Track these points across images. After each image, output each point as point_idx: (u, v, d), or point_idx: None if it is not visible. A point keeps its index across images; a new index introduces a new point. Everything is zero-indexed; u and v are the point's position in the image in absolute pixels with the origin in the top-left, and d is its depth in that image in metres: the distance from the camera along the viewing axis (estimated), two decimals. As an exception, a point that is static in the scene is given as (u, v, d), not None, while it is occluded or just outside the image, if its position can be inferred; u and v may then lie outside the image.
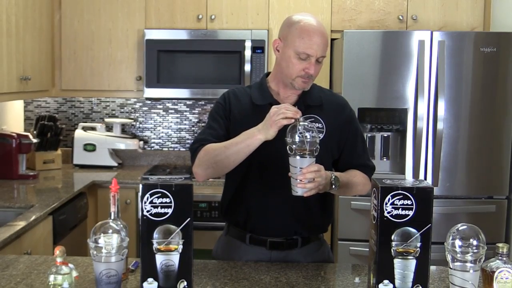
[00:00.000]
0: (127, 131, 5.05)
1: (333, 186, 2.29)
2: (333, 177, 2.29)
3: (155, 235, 1.87)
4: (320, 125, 2.41)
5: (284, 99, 2.44)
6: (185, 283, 1.90)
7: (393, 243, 1.90)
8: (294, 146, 2.13)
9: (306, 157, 2.14)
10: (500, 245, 1.89)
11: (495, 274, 1.86)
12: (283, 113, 2.16)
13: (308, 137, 2.12)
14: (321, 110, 2.44)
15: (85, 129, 4.84)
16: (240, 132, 2.34)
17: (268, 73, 2.55)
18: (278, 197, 2.39)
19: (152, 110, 5.05)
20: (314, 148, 2.15)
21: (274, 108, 2.21)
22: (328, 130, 2.42)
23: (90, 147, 4.74)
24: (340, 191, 2.40)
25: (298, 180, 2.14)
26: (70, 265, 1.84)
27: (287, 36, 2.37)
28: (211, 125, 2.48)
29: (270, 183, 2.39)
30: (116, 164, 4.81)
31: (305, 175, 2.13)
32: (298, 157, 2.14)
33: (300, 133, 2.12)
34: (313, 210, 2.45)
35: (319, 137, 2.17)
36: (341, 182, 2.33)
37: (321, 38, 2.33)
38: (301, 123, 2.15)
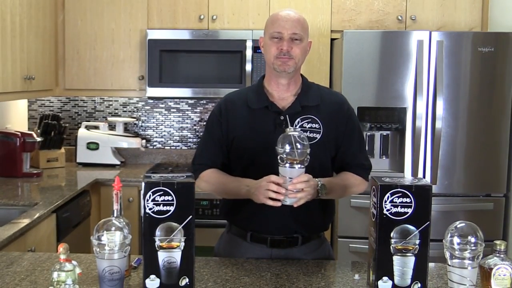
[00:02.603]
0: (129, 130, 5.07)
1: (319, 194, 2.29)
2: (319, 184, 2.29)
3: (157, 232, 1.89)
4: (317, 125, 2.42)
5: (280, 101, 2.46)
6: (187, 279, 1.92)
7: (392, 241, 1.93)
8: (284, 156, 2.14)
9: (295, 167, 2.15)
10: (497, 242, 1.90)
11: (493, 271, 1.87)
12: (266, 193, 2.20)
13: (299, 147, 2.12)
14: (318, 110, 2.45)
15: (88, 128, 4.86)
16: (239, 137, 2.45)
17: (264, 76, 2.56)
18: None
19: (155, 109, 5.07)
20: (304, 158, 2.15)
21: (261, 182, 2.23)
22: (325, 130, 2.43)
23: (93, 146, 4.77)
24: (331, 195, 2.41)
25: (288, 190, 2.16)
26: (74, 262, 1.86)
27: (265, 28, 2.47)
28: (207, 141, 2.58)
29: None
30: (118, 163, 4.82)
31: (296, 185, 2.15)
32: (288, 167, 2.15)
33: (290, 143, 2.12)
34: (313, 211, 2.45)
35: (309, 149, 2.16)
36: (328, 188, 2.33)
37: (290, 19, 2.39)
38: (291, 133, 2.15)
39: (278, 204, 2.19)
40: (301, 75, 2.55)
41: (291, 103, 2.46)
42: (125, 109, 5.06)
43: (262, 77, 2.57)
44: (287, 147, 2.12)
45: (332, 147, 2.48)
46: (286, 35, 2.37)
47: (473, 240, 1.87)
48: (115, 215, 2.04)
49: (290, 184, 2.15)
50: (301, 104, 2.45)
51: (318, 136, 2.41)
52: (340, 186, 2.44)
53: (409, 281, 1.95)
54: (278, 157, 2.16)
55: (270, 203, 2.20)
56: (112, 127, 4.95)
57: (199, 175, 2.53)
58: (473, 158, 4.05)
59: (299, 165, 2.15)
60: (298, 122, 2.42)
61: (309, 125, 2.42)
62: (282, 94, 2.47)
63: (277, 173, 2.31)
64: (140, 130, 5.09)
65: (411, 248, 1.93)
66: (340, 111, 2.51)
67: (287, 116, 2.43)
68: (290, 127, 2.20)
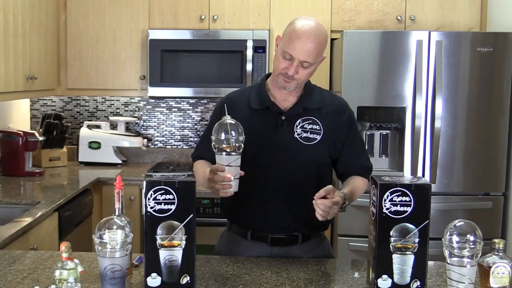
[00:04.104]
0: (131, 129, 5.09)
1: (341, 211, 2.34)
2: (346, 204, 2.33)
3: (159, 231, 1.90)
4: (317, 126, 2.43)
5: (282, 102, 2.47)
6: (188, 278, 1.93)
7: (392, 239, 1.94)
8: (218, 144, 2.19)
9: (231, 155, 2.19)
10: (496, 240, 1.91)
11: (492, 269, 1.88)
12: (214, 187, 2.23)
13: (234, 134, 2.17)
14: (320, 112, 2.46)
15: (90, 127, 4.89)
16: None
17: (268, 75, 2.56)
18: (278, 198, 2.43)
19: (156, 109, 5.09)
20: (238, 145, 2.19)
21: (209, 175, 2.25)
22: (325, 132, 2.44)
23: (95, 145, 4.78)
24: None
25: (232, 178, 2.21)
26: (76, 261, 1.87)
27: (283, 34, 2.41)
28: (205, 136, 2.63)
29: (271, 185, 2.42)
30: (120, 162, 4.84)
31: (318, 205, 2.20)
32: (224, 155, 2.19)
33: (226, 131, 2.16)
34: (313, 210, 2.42)
35: (243, 136, 2.21)
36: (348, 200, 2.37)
37: (308, 44, 2.31)
38: (227, 121, 2.19)
39: (230, 192, 2.24)
40: None
41: (293, 105, 2.47)
42: (126, 108, 5.08)
43: (265, 77, 2.58)
44: (223, 135, 2.17)
45: (332, 149, 2.49)
46: (297, 60, 2.33)
47: (472, 238, 1.87)
48: (116, 213, 2.05)
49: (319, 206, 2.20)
50: (302, 106, 2.46)
51: (318, 137, 2.43)
52: (354, 196, 2.46)
53: (408, 279, 1.96)
54: (212, 145, 2.21)
55: (222, 195, 2.24)
56: (113, 126, 4.97)
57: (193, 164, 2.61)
58: (472, 157, 4.06)
59: (234, 152, 2.19)
60: (299, 123, 2.44)
61: (309, 126, 2.44)
62: (285, 96, 2.48)
63: (280, 171, 2.33)
64: (142, 129, 5.10)
65: (411, 247, 1.94)
66: (342, 114, 2.52)
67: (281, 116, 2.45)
68: (226, 115, 2.22)
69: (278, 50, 2.40)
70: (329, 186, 2.23)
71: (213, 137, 2.19)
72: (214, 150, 2.21)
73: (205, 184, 2.40)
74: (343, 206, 2.31)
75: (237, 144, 2.18)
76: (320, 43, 2.34)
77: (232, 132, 2.17)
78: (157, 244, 1.90)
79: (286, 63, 2.35)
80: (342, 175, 2.56)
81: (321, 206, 2.18)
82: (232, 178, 2.19)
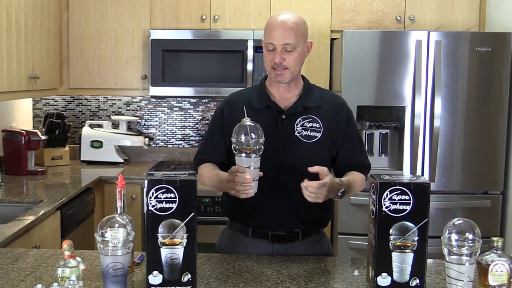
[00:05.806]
0: (132, 128, 5.10)
1: (337, 198, 2.38)
2: (342, 190, 2.35)
3: (160, 229, 1.91)
4: (317, 125, 2.46)
5: (282, 101, 2.50)
6: (189, 275, 1.94)
7: (391, 237, 1.95)
8: (239, 146, 2.21)
9: (251, 156, 2.21)
10: (495, 239, 1.92)
11: (490, 267, 1.89)
12: (234, 188, 2.25)
13: (254, 136, 2.19)
14: (319, 111, 2.49)
15: (92, 126, 4.90)
16: None
17: (267, 76, 2.58)
18: (278, 196, 2.45)
19: (157, 108, 5.11)
20: (258, 148, 2.21)
21: (229, 176, 2.27)
22: (325, 130, 2.47)
23: (97, 144, 4.80)
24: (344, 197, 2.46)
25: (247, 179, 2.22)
26: (78, 259, 1.88)
27: (263, 36, 2.50)
28: (208, 138, 2.66)
29: (271, 183, 2.42)
30: (122, 161, 4.86)
31: (307, 189, 2.22)
32: (244, 156, 2.21)
33: (246, 133, 2.19)
34: (313, 208, 2.45)
35: (263, 138, 2.23)
36: (346, 193, 2.40)
37: (282, 28, 2.39)
38: (246, 123, 2.21)
39: (251, 194, 2.25)
40: (303, 76, 2.58)
41: (293, 103, 2.49)
42: (128, 108, 5.10)
43: (265, 78, 2.60)
44: (243, 137, 2.19)
45: (332, 146, 2.52)
46: (278, 46, 2.39)
47: (470, 236, 1.87)
48: (118, 212, 2.06)
49: (310, 187, 2.22)
50: (302, 105, 2.48)
51: (319, 135, 2.46)
52: (351, 187, 2.47)
53: (407, 277, 1.97)
54: (233, 147, 2.23)
55: (242, 196, 2.25)
56: (115, 125, 4.98)
57: (197, 168, 2.61)
58: (471, 156, 4.07)
59: (254, 154, 2.21)
60: (299, 121, 2.46)
61: (309, 124, 2.46)
62: (284, 94, 2.51)
63: (280, 170, 2.35)
64: (143, 128, 5.12)
65: (410, 245, 1.95)
66: (340, 112, 2.55)
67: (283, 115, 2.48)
68: (246, 117, 2.25)
69: (263, 48, 2.48)
70: (325, 168, 2.26)
71: (233, 139, 2.22)
72: (234, 152, 2.23)
73: (220, 186, 2.44)
74: (339, 193, 2.35)
75: (257, 146, 2.20)
76: (295, 25, 2.41)
77: (252, 134, 2.19)
78: (159, 242, 1.91)
79: (271, 55, 2.42)
80: (339, 172, 2.58)
81: (309, 189, 2.22)
82: (252, 179, 2.22)
